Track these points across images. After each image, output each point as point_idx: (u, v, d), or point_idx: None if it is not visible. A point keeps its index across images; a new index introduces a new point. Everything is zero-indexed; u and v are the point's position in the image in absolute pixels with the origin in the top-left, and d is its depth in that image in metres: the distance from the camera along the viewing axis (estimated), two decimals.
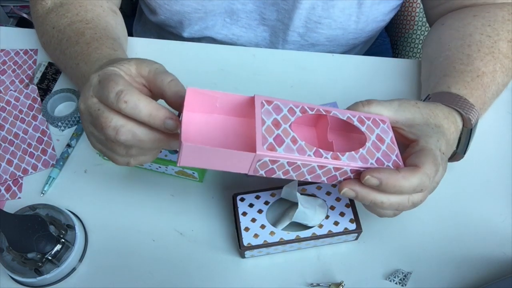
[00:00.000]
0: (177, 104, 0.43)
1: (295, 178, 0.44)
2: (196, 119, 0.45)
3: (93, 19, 0.60)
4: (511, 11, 0.60)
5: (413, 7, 0.90)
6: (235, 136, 0.45)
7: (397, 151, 0.45)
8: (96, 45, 0.55)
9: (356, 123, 0.45)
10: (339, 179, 0.44)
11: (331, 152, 0.42)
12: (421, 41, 0.91)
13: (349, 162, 0.42)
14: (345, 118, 0.45)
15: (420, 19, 0.90)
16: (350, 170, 0.43)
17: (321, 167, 0.42)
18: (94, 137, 0.46)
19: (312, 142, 0.48)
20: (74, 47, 0.57)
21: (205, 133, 0.44)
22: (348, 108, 0.48)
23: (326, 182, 0.44)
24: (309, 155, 0.41)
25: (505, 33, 0.58)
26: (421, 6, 0.89)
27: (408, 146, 0.47)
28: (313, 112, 0.45)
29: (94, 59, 0.53)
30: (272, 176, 0.43)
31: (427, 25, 0.89)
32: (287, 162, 0.41)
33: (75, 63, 0.56)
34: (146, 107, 0.40)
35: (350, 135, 0.49)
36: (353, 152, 0.43)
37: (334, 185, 0.54)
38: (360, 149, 0.44)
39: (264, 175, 0.43)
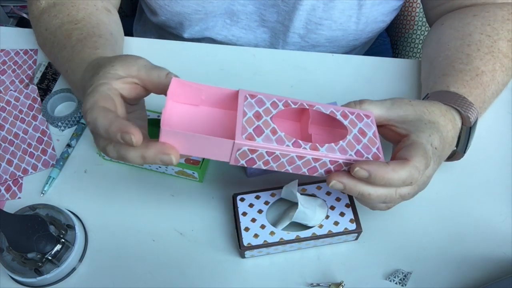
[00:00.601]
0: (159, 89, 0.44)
1: (275, 169, 0.44)
2: (180, 110, 0.45)
3: (84, 18, 0.59)
4: (511, 11, 0.60)
5: (413, 7, 0.91)
6: (219, 127, 0.45)
7: (378, 144, 0.45)
8: (79, 48, 0.54)
9: (339, 117, 0.46)
10: (319, 171, 0.45)
11: (310, 143, 0.43)
12: (421, 41, 0.91)
13: (327, 153, 0.43)
14: (328, 112, 0.46)
15: (420, 19, 0.90)
16: (330, 161, 0.43)
17: (300, 157, 0.43)
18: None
19: (294, 135, 0.48)
20: (62, 51, 0.56)
21: (188, 123, 0.45)
22: (342, 106, 0.48)
23: (307, 173, 0.45)
24: (287, 145, 0.42)
25: (505, 33, 0.58)
26: (421, 6, 0.89)
27: (400, 141, 0.47)
28: (296, 106, 0.45)
29: (77, 65, 0.53)
30: (253, 167, 0.44)
31: (427, 25, 0.89)
32: (266, 152, 0.42)
33: (65, 69, 0.56)
34: (102, 123, 0.40)
35: (333, 130, 0.49)
36: (332, 143, 0.44)
37: None
38: (340, 141, 0.44)
39: (245, 165, 0.43)
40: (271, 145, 0.42)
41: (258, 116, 0.43)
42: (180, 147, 0.41)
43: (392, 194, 0.44)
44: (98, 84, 0.43)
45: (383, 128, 0.49)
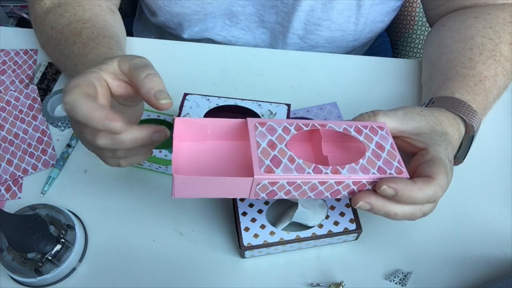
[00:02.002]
0: (151, 102, 0.42)
1: (297, 197, 0.43)
2: (187, 148, 0.44)
3: (91, 18, 0.60)
4: None
5: (413, 7, 0.91)
6: (230, 161, 0.44)
7: (398, 157, 0.44)
8: (92, 45, 0.55)
9: (353, 133, 0.45)
10: (342, 193, 0.43)
11: (331, 167, 0.41)
12: (421, 41, 0.91)
13: (350, 174, 0.41)
14: (341, 130, 0.45)
15: (420, 19, 0.90)
16: (353, 182, 0.42)
17: (322, 183, 0.42)
18: (84, 141, 0.46)
19: (308, 157, 0.47)
20: (71, 47, 0.57)
21: (198, 161, 0.43)
22: (354, 119, 0.47)
23: (330, 197, 0.44)
24: (308, 173, 0.41)
25: (506, 36, 0.58)
26: (422, 6, 0.89)
27: (416, 154, 0.46)
28: (308, 128, 0.44)
29: (90, 60, 0.53)
30: (275, 198, 0.42)
31: (427, 25, 0.89)
32: (287, 182, 0.41)
33: (73, 64, 0.56)
34: (82, 109, 0.39)
35: (348, 145, 0.48)
36: (353, 164, 0.42)
37: None
38: (360, 160, 0.43)
39: (266, 198, 0.42)
40: (292, 175, 0.40)
41: (272, 145, 0.42)
42: (195, 192, 0.40)
43: (417, 212, 0.44)
44: (88, 71, 0.43)
45: (396, 139, 0.48)
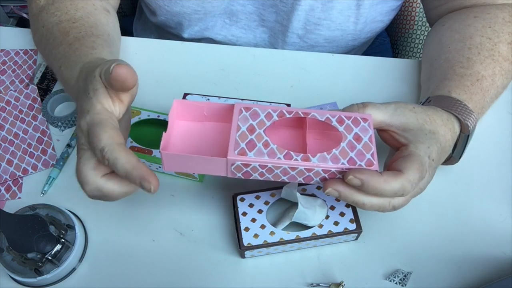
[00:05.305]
0: (109, 80, 0.42)
1: (272, 179, 0.45)
2: (184, 127, 0.48)
3: (82, 17, 0.59)
4: (511, 13, 0.60)
5: (413, 7, 0.91)
6: (217, 141, 0.47)
7: (373, 150, 0.45)
8: (77, 46, 0.54)
9: (334, 123, 0.46)
10: (315, 179, 0.45)
11: (302, 154, 0.43)
12: (421, 41, 0.91)
13: (319, 163, 0.43)
14: (323, 119, 0.46)
15: (420, 19, 0.90)
16: (323, 170, 0.44)
17: (292, 168, 0.44)
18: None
19: (292, 143, 0.49)
20: (58, 48, 0.56)
21: (191, 140, 0.47)
22: (344, 110, 0.48)
23: (303, 182, 0.45)
24: (278, 158, 0.43)
25: (505, 35, 0.58)
26: (421, 6, 0.89)
27: (398, 150, 0.47)
28: (291, 115, 0.46)
29: (73, 63, 0.52)
30: (250, 178, 0.45)
31: (427, 25, 0.89)
32: (259, 165, 0.43)
33: (58, 66, 0.55)
34: (123, 167, 0.41)
35: (330, 134, 0.49)
36: (325, 153, 0.44)
37: None
38: (333, 149, 0.44)
39: (242, 177, 0.45)
40: (263, 159, 0.43)
41: (251, 129, 0.45)
42: (180, 167, 0.44)
43: (386, 204, 0.44)
44: (96, 111, 0.43)
45: (384, 132, 0.49)
